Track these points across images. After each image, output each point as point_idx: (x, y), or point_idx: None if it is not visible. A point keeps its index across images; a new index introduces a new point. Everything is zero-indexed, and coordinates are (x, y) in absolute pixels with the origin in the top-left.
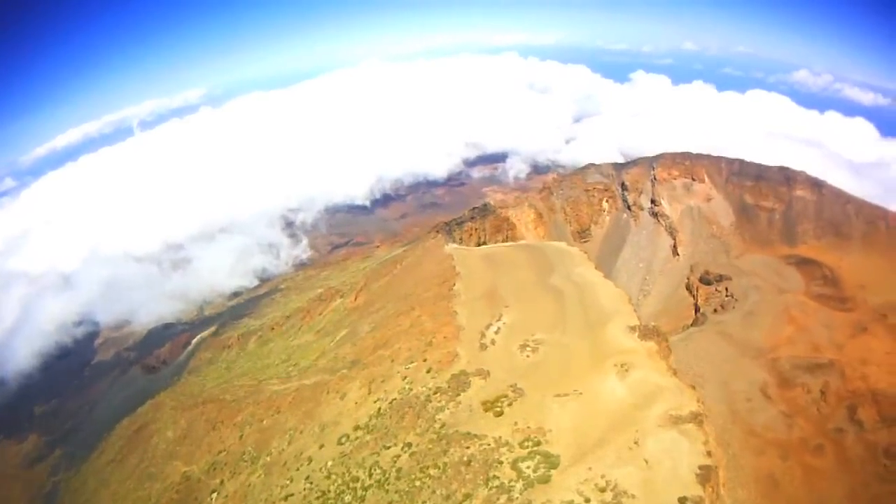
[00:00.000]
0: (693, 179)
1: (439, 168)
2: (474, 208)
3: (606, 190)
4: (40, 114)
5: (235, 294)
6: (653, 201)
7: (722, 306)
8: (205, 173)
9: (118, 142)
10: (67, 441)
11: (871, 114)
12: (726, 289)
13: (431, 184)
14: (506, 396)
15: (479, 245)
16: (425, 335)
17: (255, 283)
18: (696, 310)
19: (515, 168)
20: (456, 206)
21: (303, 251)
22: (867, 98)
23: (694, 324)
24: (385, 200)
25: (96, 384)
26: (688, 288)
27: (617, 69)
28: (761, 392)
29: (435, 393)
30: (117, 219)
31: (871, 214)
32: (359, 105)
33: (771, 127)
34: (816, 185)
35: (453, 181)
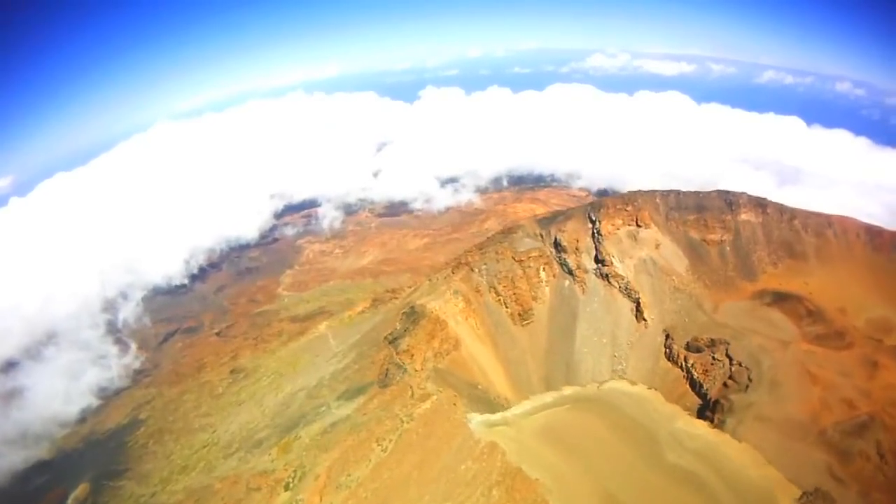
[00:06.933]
0: (638, 226)
1: (249, 228)
2: (403, 314)
3: (541, 255)
4: None
5: (81, 420)
6: (601, 261)
7: (733, 379)
8: (19, 269)
9: None
10: None
11: (681, 84)
12: (729, 357)
13: (244, 247)
14: None
15: (423, 364)
16: None
17: (96, 401)
18: (695, 386)
19: (329, 216)
20: (274, 267)
21: (134, 358)
22: (672, 69)
23: (717, 411)
24: (202, 274)
25: None
26: (670, 358)
27: (405, 89)
28: (831, 477)
29: None
30: None
31: (817, 225)
32: (157, 172)
33: (583, 120)
34: (759, 205)
35: (266, 239)
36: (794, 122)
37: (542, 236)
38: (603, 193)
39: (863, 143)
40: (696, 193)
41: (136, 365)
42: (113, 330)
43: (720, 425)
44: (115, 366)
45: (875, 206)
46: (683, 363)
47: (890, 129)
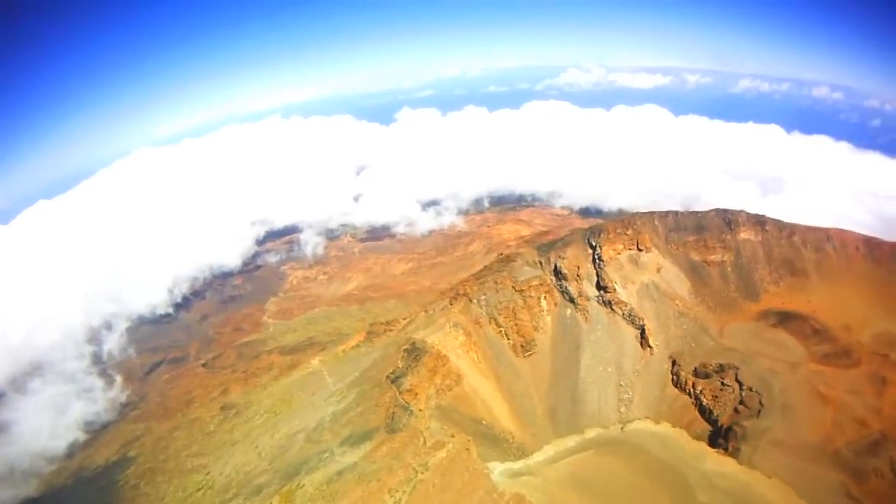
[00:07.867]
0: (639, 250)
1: (232, 255)
2: (404, 351)
3: (542, 284)
4: None
5: (69, 456)
6: (603, 287)
7: (744, 404)
8: (1, 298)
9: None
10: None
11: (658, 97)
12: (738, 382)
13: (227, 274)
14: None
15: (426, 402)
16: None
17: (83, 436)
18: (704, 412)
19: (311, 241)
20: (259, 295)
21: (120, 391)
22: (647, 82)
23: (730, 438)
24: (186, 303)
25: None
26: (678, 385)
27: (381, 111)
28: (848, 497)
29: None
30: None
31: (816, 240)
32: (138, 199)
33: (561, 137)
34: (759, 222)
35: (249, 266)
36: (774, 131)
37: (541, 264)
38: (586, 211)
39: (843, 147)
40: (695, 213)
41: (123, 398)
42: (98, 361)
43: (735, 453)
44: (101, 399)
45: (863, 214)
46: (692, 390)
47: (869, 133)
